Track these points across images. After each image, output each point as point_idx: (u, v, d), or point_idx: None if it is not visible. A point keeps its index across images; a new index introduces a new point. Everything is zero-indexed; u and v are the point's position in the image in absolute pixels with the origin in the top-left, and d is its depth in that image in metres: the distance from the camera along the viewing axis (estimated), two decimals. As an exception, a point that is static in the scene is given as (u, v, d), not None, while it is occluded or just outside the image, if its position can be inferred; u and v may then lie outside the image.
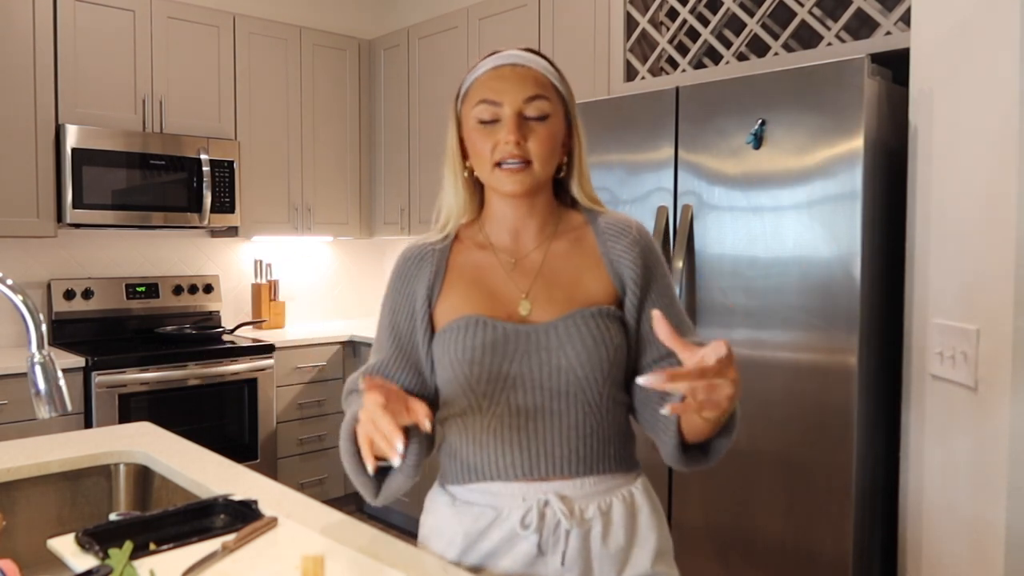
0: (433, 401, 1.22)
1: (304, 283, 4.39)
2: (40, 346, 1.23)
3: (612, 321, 1.17)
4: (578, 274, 1.20)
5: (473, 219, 1.27)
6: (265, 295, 4.10)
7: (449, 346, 1.16)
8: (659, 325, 0.97)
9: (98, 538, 1.16)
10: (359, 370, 1.27)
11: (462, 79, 1.23)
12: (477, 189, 1.25)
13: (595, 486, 1.16)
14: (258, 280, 4.16)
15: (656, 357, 1.20)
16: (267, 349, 3.60)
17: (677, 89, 2.33)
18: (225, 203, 3.67)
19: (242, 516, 1.28)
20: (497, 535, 1.16)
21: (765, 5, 2.44)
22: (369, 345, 3.81)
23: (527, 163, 1.15)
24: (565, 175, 1.24)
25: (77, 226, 3.36)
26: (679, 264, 2.27)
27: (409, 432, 1.07)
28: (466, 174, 1.23)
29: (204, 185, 3.57)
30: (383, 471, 1.13)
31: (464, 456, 1.19)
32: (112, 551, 1.07)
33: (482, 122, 1.16)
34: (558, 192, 1.26)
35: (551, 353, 1.14)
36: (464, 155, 1.22)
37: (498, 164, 1.15)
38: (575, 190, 1.24)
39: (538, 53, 1.22)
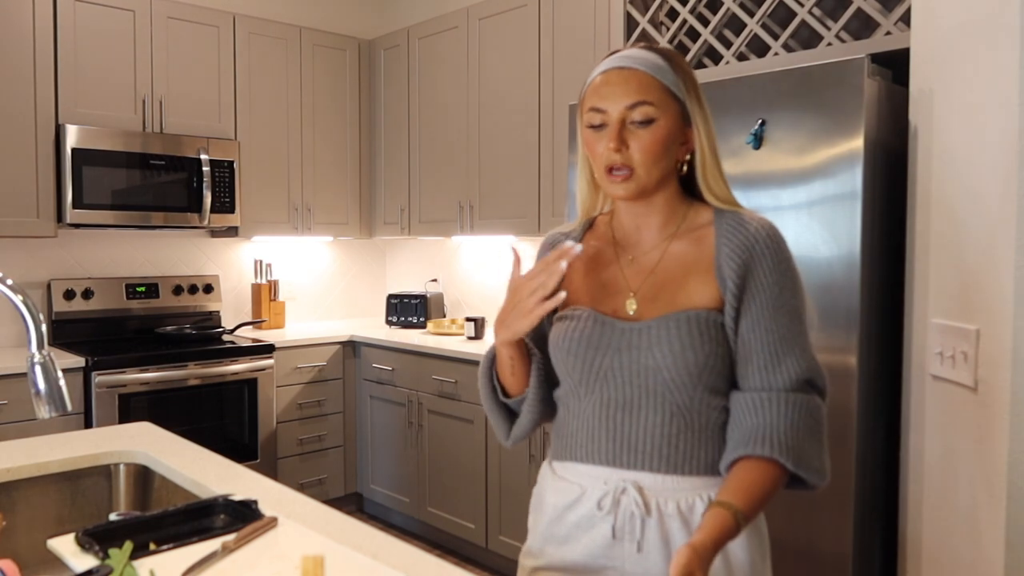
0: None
1: (304, 283, 4.40)
2: (40, 346, 1.23)
3: (709, 326, 1.15)
4: (686, 276, 1.20)
5: (612, 210, 1.31)
6: (265, 295, 4.10)
7: (555, 334, 1.25)
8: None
9: (98, 538, 1.16)
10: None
11: (585, 78, 1.25)
12: None
13: (677, 483, 1.17)
14: (258, 280, 4.16)
15: (750, 383, 1.16)
16: (267, 349, 3.60)
17: (677, 89, 2.33)
18: (225, 203, 3.67)
19: (242, 516, 1.28)
20: (580, 512, 1.21)
21: (765, 5, 2.44)
22: (368, 345, 3.82)
23: (631, 170, 1.16)
24: (688, 171, 1.23)
25: (77, 226, 3.36)
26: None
27: (533, 368, 1.27)
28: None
29: (204, 185, 3.57)
30: (513, 415, 1.32)
31: (564, 434, 1.26)
32: (112, 551, 1.07)
33: (591, 127, 1.19)
34: (692, 187, 1.24)
35: (640, 352, 1.16)
36: None
37: (607, 169, 1.18)
38: (701, 187, 1.22)
39: (652, 48, 1.21)
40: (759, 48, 2.51)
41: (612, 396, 1.19)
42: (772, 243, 1.18)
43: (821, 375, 1.18)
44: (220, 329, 3.76)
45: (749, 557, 1.19)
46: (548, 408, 1.31)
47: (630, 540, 1.16)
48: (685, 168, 1.23)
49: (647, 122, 1.16)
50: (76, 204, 3.26)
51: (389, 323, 4.12)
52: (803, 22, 2.37)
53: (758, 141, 2.12)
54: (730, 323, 1.17)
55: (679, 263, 1.21)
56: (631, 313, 1.21)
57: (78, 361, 3.10)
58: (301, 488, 3.69)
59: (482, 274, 4.13)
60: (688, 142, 1.21)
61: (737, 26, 2.58)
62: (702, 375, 1.15)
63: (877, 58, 2.06)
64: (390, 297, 4.13)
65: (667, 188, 1.22)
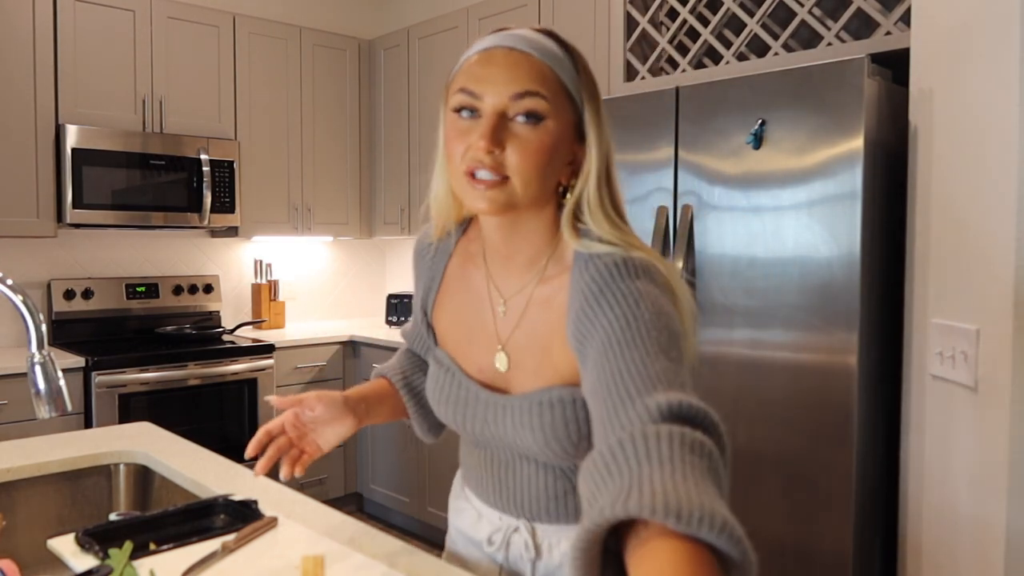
0: None
1: (304, 283, 4.39)
2: (40, 346, 1.23)
3: (577, 409, 0.96)
4: (549, 338, 0.99)
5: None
6: (265, 295, 4.10)
7: (429, 385, 1.16)
8: None
9: (98, 538, 1.16)
10: (405, 325, 1.29)
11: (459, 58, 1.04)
12: None
13: (571, 528, 1.06)
14: (258, 280, 4.16)
15: (602, 437, 0.80)
16: (267, 349, 3.60)
17: (677, 89, 2.33)
18: (225, 203, 3.67)
19: (242, 516, 1.28)
20: (477, 538, 1.17)
21: (765, 5, 2.44)
22: (368, 345, 3.81)
23: (504, 178, 0.91)
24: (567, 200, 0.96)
25: (77, 226, 3.36)
26: (679, 264, 2.27)
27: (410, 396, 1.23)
28: None
29: (204, 185, 3.57)
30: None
31: (463, 462, 1.22)
32: (112, 551, 1.07)
33: (457, 111, 0.95)
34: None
35: (507, 430, 1.03)
36: None
37: (469, 172, 0.92)
38: (564, 222, 0.95)
39: (552, 35, 0.97)
40: (759, 48, 2.51)
41: (494, 454, 1.10)
42: (620, 272, 0.91)
43: (707, 413, 0.75)
44: (220, 329, 3.76)
45: None
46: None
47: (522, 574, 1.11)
48: (566, 196, 0.97)
49: (534, 119, 0.90)
50: (76, 204, 3.26)
51: (389, 323, 4.12)
52: (803, 22, 2.37)
53: (758, 141, 2.12)
54: (584, 384, 0.90)
55: (543, 317, 0.99)
56: (500, 369, 1.04)
57: (78, 361, 3.10)
58: (301, 488, 3.69)
59: (482, 274, 4.12)
60: (576, 163, 0.96)
61: (737, 26, 2.58)
62: (577, 450, 0.98)
63: (877, 58, 2.06)
64: (390, 297, 4.13)
65: (543, 214, 0.98)
